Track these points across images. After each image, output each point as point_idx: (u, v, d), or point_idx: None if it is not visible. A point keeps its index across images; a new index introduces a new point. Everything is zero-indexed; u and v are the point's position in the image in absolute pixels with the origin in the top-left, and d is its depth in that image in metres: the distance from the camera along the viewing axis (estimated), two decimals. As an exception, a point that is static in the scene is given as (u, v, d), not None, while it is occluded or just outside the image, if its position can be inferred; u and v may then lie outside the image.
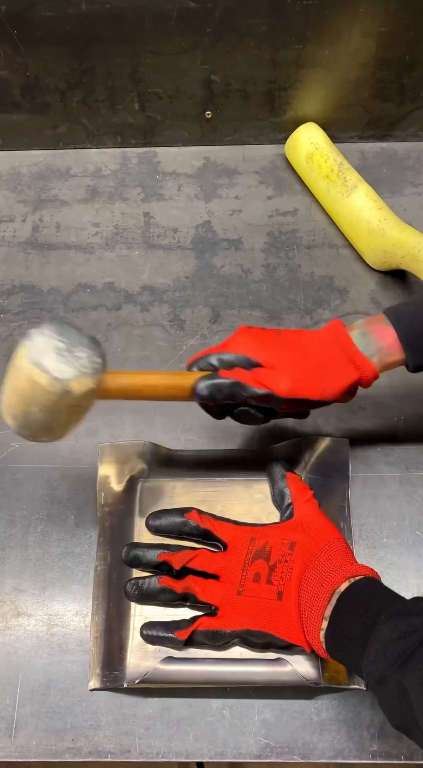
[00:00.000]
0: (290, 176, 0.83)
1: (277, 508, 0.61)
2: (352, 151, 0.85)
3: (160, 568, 0.58)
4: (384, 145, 0.85)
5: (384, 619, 0.45)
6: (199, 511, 0.60)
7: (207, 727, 0.56)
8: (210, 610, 0.56)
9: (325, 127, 0.83)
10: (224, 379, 0.53)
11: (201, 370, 0.54)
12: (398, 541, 0.62)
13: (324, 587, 0.50)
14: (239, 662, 0.56)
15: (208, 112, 0.82)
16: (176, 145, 0.86)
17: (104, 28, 0.72)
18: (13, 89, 0.79)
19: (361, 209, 0.75)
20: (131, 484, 0.64)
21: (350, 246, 0.78)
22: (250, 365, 0.54)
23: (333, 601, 0.49)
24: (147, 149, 0.86)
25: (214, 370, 0.54)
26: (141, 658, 0.57)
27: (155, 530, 0.61)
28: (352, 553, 0.54)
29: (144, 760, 0.55)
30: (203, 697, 0.57)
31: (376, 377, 0.55)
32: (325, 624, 0.49)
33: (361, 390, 0.69)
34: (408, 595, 0.61)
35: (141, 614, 0.59)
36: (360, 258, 0.77)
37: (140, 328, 0.74)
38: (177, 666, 0.56)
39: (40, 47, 0.74)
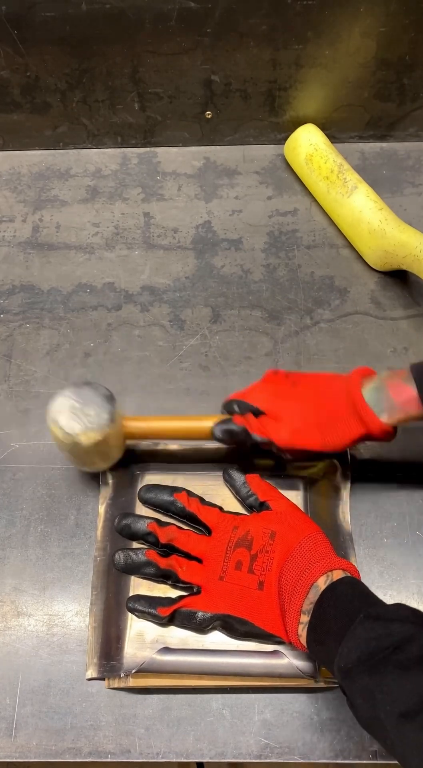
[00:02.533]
0: (290, 176, 0.83)
1: (249, 510, 0.61)
2: (352, 151, 0.85)
3: (148, 540, 0.59)
4: (384, 145, 0.85)
5: (362, 618, 0.45)
6: (190, 493, 0.61)
7: (207, 727, 0.56)
8: (192, 592, 0.57)
9: (325, 127, 0.83)
10: (235, 425, 0.59)
11: (226, 411, 0.61)
12: (398, 541, 0.62)
13: (303, 579, 0.51)
14: (235, 654, 0.56)
15: (208, 112, 0.82)
16: (176, 145, 0.86)
17: (104, 28, 0.72)
18: (13, 89, 0.79)
19: (361, 210, 0.74)
20: (132, 477, 0.64)
21: (350, 246, 0.78)
22: (259, 413, 0.59)
23: (311, 596, 0.50)
24: (147, 149, 0.86)
25: (232, 413, 0.60)
26: (138, 648, 0.57)
27: (144, 502, 0.62)
28: (331, 546, 0.54)
29: (144, 760, 0.55)
30: (203, 697, 0.57)
31: (388, 431, 0.55)
32: (305, 618, 0.50)
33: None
34: (408, 595, 0.61)
35: None
36: (360, 258, 0.77)
37: (140, 328, 0.74)
38: (173, 657, 0.56)
39: (40, 47, 0.74)
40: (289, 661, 0.55)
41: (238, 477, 0.62)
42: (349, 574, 0.51)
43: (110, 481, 0.64)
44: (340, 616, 0.47)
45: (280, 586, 0.52)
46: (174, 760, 0.55)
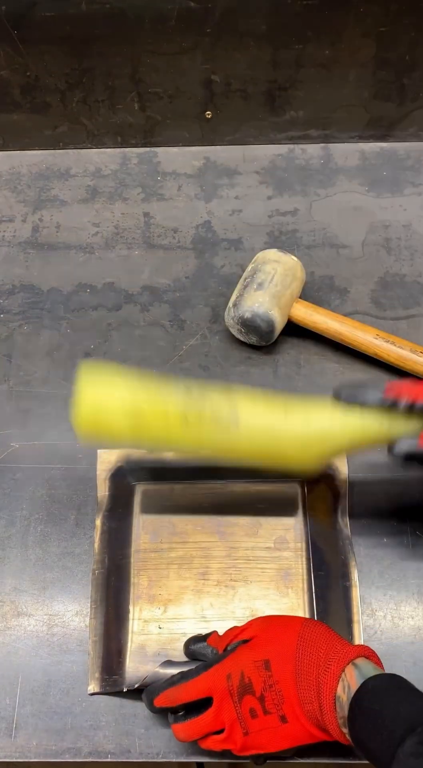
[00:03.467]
0: (290, 176, 0.83)
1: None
2: (352, 151, 0.85)
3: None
4: (384, 145, 0.85)
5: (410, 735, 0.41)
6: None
7: (207, 727, 0.56)
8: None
9: (325, 127, 0.83)
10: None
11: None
12: (398, 541, 0.62)
13: (323, 692, 0.47)
14: None
15: (208, 112, 0.82)
16: (176, 145, 0.86)
17: (104, 28, 0.72)
18: (13, 89, 0.79)
19: (267, 431, 0.53)
20: (129, 488, 0.64)
21: (350, 246, 0.78)
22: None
23: (340, 696, 0.47)
24: (147, 149, 0.86)
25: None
26: (140, 661, 0.57)
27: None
28: (324, 628, 0.50)
29: (144, 760, 0.55)
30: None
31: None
32: (341, 719, 0.47)
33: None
34: (408, 595, 0.61)
35: (140, 618, 0.59)
36: (360, 258, 0.77)
37: (140, 328, 0.74)
38: (176, 669, 0.56)
39: (40, 47, 0.74)
40: None
41: (202, 647, 0.56)
42: (367, 661, 0.48)
43: (106, 493, 0.64)
44: (381, 731, 0.43)
45: (302, 708, 0.48)
46: (174, 760, 0.55)
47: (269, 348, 0.72)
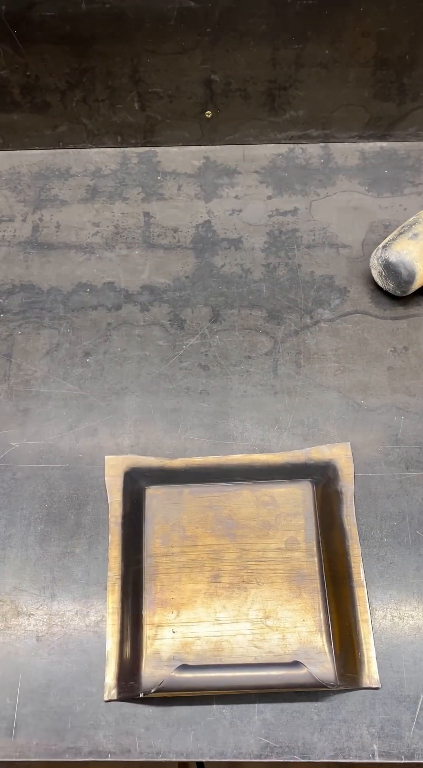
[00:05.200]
0: (290, 176, 0.83)
1: None
2: (352, 151, 0.85)
3: None
4: (384, 144, 0.85)
5: None
6: None
7: (207, 727, 0.56)
8: None
9: (325, 127, 0.83)
10: None
11: None
12: (398, 541, 0.62)
13: None
14: (254, 667, 0.56)
15: (208, 111, 0.82)
16: (176, 144, 0.86)
17: (104, 28, 0.72)
18: (13, 89, 0.79)
19: None
20: (138, 493, 0.64)
21: (350, 246, 0.78)
22: None
23: None
24: (147, 149, 0.86)
25: None
26: (155, 667, 0.57)
27: None
28: None
29: (144, 760, 0.55)
30: (203, 697, 0.57)
31: None
32: None
33: (361, 390, 0.69)
34: (408, 595, 0.61)
35: (153, 623, 0.59)
36: (360, 258, 0.77)
37: (140, 327, 0.74)
38: (191, 674, 0.56)
39: (40, 47, 0.74)
40: (308, 671, 0.55)
41: None
42: None
43: (118, 498, 0.64)
44: None
45: None
46: (174, 760, 0.55)
47: (269, 348, 0.72)
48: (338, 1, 0.70)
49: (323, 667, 0.56)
